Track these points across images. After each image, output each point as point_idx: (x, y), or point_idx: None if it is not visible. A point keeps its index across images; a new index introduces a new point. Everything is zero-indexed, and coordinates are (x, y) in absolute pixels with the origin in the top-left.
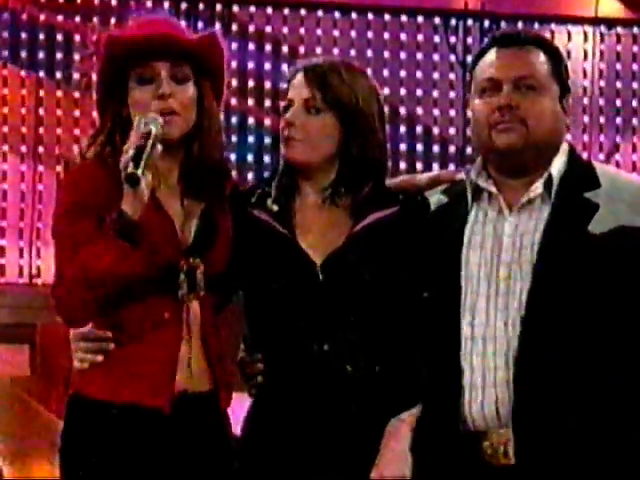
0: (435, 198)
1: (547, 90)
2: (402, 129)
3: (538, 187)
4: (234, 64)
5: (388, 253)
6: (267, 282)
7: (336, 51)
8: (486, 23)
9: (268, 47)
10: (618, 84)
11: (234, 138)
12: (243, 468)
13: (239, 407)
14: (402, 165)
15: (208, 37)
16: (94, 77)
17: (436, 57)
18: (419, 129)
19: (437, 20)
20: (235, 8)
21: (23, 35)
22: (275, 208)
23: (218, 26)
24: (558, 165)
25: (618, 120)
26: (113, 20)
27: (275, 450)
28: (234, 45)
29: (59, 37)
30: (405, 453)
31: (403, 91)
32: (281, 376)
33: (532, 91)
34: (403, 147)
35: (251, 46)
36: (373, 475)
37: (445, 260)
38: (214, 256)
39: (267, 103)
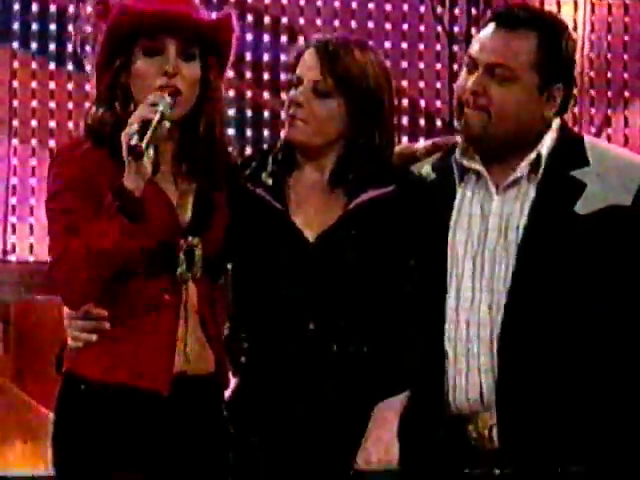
0: (424, 171)
1: (520, 80)
2: None
3: (523, 167)
4: None
5: (382, 232)
6: (257, 257)
7: (319, 22)
8: None
9: (250, 18)
10: (609, 56)
11: None
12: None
13: None
14: None
15: (223, 20)
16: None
17: (422, 28)
18: (405, 102)
19: None
20: None
21: None
22: (269, 182)
23: None
24: (548, 142)
25: (609, 93)
26: None
27: (258, 430)
28: (214, 16)
29: (34, 7)
30: (392, 439)
31: (388, 63)
32: (266, 354)
33: (504, 80)
34: None
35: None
36: (359, 461)
37: (432, 240)
38: (211, 235)
39: (248, 75)
